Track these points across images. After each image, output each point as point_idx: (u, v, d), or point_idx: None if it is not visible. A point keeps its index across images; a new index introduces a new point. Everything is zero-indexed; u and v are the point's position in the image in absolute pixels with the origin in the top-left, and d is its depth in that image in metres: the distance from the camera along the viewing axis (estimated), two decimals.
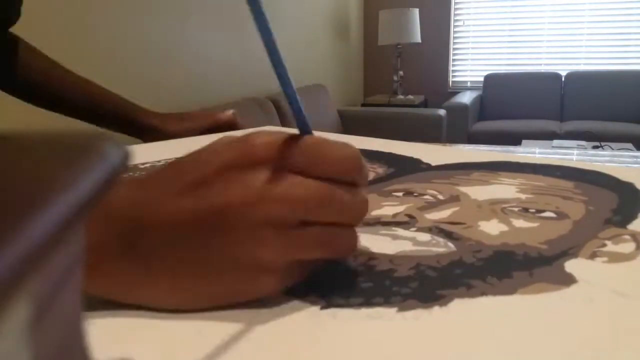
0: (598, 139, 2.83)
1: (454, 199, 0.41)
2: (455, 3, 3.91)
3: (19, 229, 0.09)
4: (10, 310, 0.10)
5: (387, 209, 0.39)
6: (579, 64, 3.77)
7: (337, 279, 0.28)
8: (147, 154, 0.61)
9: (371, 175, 0.48)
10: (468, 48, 3.98)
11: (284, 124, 2.45)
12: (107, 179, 0.12)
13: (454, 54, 4.00)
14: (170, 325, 0.24)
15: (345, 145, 0.26)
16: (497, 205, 0.39)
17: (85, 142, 0.13)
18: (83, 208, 0.11)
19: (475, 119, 3.66)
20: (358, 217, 0.26)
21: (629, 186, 0.43)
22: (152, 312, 0.25)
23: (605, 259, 0.29)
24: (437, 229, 0.34)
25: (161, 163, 0.56)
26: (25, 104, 0.79)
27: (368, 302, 0.25)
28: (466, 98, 3.51)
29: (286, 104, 2.56)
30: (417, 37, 3.55)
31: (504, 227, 0.35)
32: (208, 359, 0.21)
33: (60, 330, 0.13)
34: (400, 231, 0.34)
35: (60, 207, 0.10)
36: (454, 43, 3.98)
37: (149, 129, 0.79)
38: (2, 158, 0.11)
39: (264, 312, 0.25)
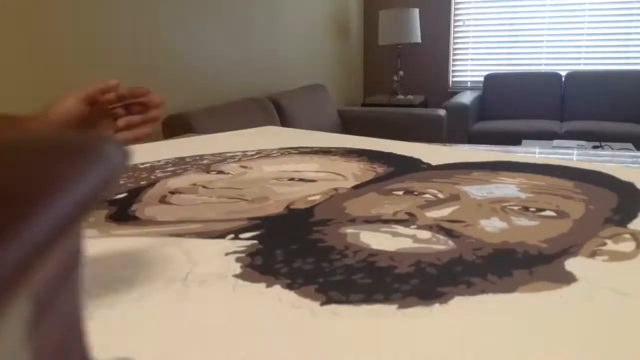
0: (598, 139, 2.84)
1: (454, 197, 0.41)
2: (455, 3, 3.91)
3: (20, 228, 0.09)
4: (11, 310, 0.10)
5: (388, 207, 0.39)
6: (579, 64, 3.77)
7: (337, 276, 0.28)
8: (147, 154, 0.61)
9: (371, 175, 0.48)
10: (468, 48, 3.98)
11: (284, 124, 2.44)
12: (107, 179, 0.12)
13: (454, 54, 3.99)
14: (170, 325, 0.24)
15: None
16: (497, 204, 0.39)
17: (85, 143, 0.13)
18: (83, 207, 0.11)
19: (475, 119, 3.65)
20: None
21: (629, 186, 0.43)
22: (152, 312, 0.25)
23: (605, 257, 0.29)
24: (437, 227, 0.34)
25: (161, 163, 0.56)
26: (26, 105, 0.79)
27: (368, 299, 0.25)
28: (466, 98, 3.51)
29: (286, 104, 2.55)
30: (417, 37, 3.54)
31: (504, 225, 0.35)
32: (208, 357, 0.21)
33: (60, 330, 0.13)
34: (400, 229, 0.34)
35: (61, 207, 0.10)
36: (454, 43, 3.98)
37: None
38: (4, 158, 0.11)
39: (264, 308, 0.25)
